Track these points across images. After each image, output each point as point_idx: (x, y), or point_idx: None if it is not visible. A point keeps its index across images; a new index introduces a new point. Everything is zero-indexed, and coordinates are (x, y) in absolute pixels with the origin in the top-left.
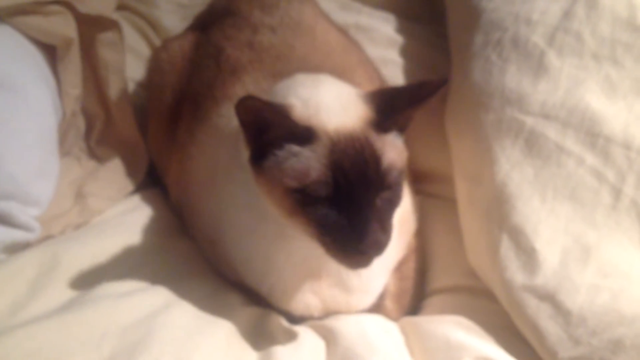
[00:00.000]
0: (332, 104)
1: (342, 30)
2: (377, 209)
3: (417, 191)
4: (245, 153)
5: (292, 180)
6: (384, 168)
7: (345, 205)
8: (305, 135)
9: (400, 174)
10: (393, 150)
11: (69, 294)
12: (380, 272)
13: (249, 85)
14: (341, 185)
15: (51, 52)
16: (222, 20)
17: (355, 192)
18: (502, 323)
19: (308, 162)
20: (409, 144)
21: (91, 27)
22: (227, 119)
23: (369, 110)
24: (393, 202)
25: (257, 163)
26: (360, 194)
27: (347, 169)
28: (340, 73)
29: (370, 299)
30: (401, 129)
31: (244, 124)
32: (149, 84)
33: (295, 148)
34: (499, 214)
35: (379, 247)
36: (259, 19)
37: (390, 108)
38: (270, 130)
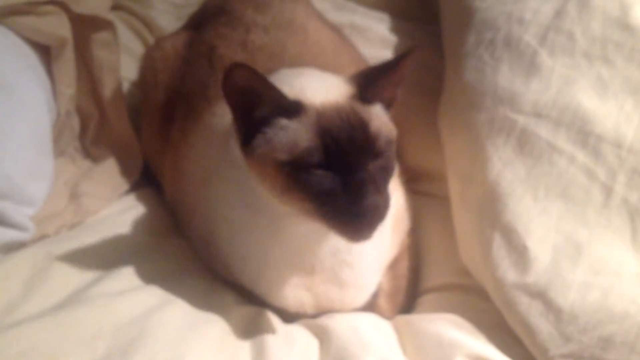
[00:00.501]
0: (316, 86)
1: (336, 30)
2: (372, 175)
3: (410, 190)
4: (235, 148)
5: (282, 153)
6: (372, 133)
7: (338, 170)
8: (293, 108)
9: (389, 144)
10: (379, 119)
11: (63, 293)
12: (373, 269)
13: None
14: (331, 151)
15: (45, 52)
16: (215, 19)
17: (347, 156)
18: (495, 321)
19: (296, 133)
20: (402, 143)
21: (85, 27)
22: (220, 117)
23: (352, 87)
24: (386, 170)
25: (247, 145)
26: (351, 159)
27: (335, 134)
28: (333, 72)
29: (364, 296)
30: (386, 104)
31: (231, 101)
32: (142, 83)
33: (283, 121)
34: (491, 212)
35: (377, 210)
36: (252, 18)
37: (370, 80)
38: (260, 106)
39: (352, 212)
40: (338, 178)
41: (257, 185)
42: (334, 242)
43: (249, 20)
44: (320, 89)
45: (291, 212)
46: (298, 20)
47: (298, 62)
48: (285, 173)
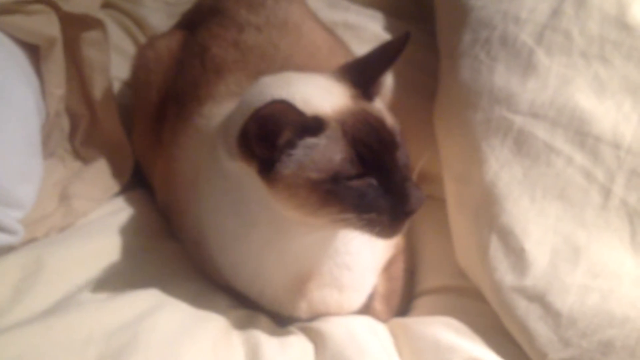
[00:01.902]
0: (315, 92)
1: (329, 30)
2: (404, 170)
3: None
4: (225, 161)
5: (319, 172)
6: (391, 129)
7: (377, 174)
8: (315, 125)
9: (401, 133)
10: (386, 112)
11: (53, 297)
12: (369, 270)
13: (231, 85)
14: (366, 157)
15: (34, 52)
16: (209, 19)
17: (381, 159)
18: (492, 324)
19: (327, 148)
20: None
21: (75, 26)
22: (207, 119)
23: (347, 86)
24: (408, 159)
25: (268, 173)
26: (386, 160)
27: (366, 141)
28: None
29: (360, 298)
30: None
31: (255, 136)
32: (135, 82)
33: (310, 141)
34: (488, 214)
35: (422, 201)
36: (245, 18)
37: (367, 78)
38: (284, 132)
39: (400, 212)
40: (377, 182)
41: (280, 207)
42: (335, 246)
43: (242, 20)
44: (321, 95)
45: (308, 223)
46: (292, 20)
47: (290, 62)
48: (323, 190)
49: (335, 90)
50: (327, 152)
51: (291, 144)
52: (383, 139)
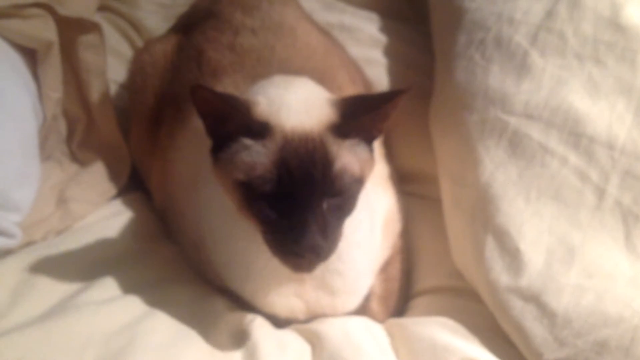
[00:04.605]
0: (296, 105)
1: (325, 32)
2: (322, 214)
3: (402, 191)
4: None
5: (240, 172)
6: (334, 172)
7: (286, 204)
8: (259, 130)
9: (356, 182)
10: (351, 156)
11: (51, 301)
12: (365, 274)
13: (228, 87)
14: (285, 183)
15: (31, 56)
16: (204, 22)
17: (299, 192)
18: (488, 324)
19: (257, 156)
20: (393, 144)
21: (72, 29)
22: None
23: (334, 114)
24: (343, 210)
25: (215, 155)
26: (303, 195)
27: (292, 167)
28: (321, 75)
29: (355, 301)
30: (368, 139)
31: (202, 114)
32: (131, 87)
33: (248, 141)
34: (484, 214)
35: (316, 252)
36: (240, 21)
37: (352, 114)
38: (227, 122)
39: (292, 249)
40: (285, 211)
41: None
42: None
43: (237, 23)
44: (298, 110)
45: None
46: (287, 22)
47: (287, 65)
48: (241, 192)
49: (316, 112)
50: (255, 159)
51: (233, 137)
52: (313, 176)
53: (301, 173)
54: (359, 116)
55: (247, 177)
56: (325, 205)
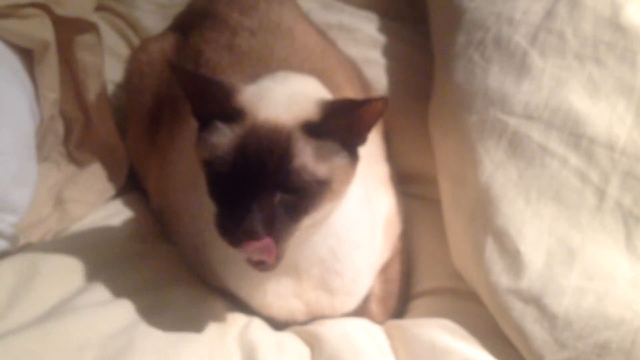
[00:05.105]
0: (279, 98)
1: (322, 32)
2: (269, 204)
3: (401, 192)
4: None
5: (206, 152)
6: (292, 167)
7: (238, 188)
8: (232, 115)
9: (319, 184)
10: (318, 157)
11: (48, 303)
12: (364, 275)
13: None
14: (239, 167)
15: (28, 56)
16: (201, 22)
17: (252, 178)
18: (488, 326)
19: (223, 138)
20: (393, 144)
21: (69, 29)
22: None
23: (315, 114)
24: (298, 208)
25: (199, 135)
26: (255, 182)
27: (249, 153)
28: (319, 75)
29: (354, 301)
30: (348, 145)
31: (185, 92)
32: (128, 87)
33: (220, 124)
34: (483, 215)
35: (251, 237)
36: (238, 22)
37: (329, 115)
38: (207, 104)
39: (230, 230)
40: (236, 195)
41: None
42: (316, 251)
43: (235, 23)
44: (278, 103)
45: None
46: (285, 23)
47: (285, 66)
48: (205, 172)
49: (296, 108)
50: (220, 140)
51: (209, 119)
52: (266, 166)
53: (256, 160)
54: (335, 118)
55: (209, 157)
56: (277, 199)
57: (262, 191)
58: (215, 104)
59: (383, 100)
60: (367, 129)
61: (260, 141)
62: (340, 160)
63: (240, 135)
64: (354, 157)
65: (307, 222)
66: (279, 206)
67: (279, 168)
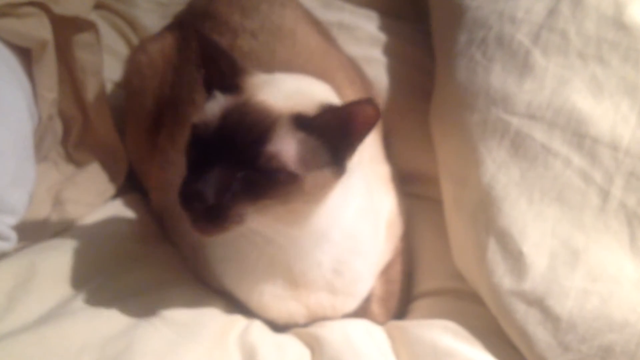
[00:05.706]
0: (285, 88)
1: (325, 31)
2: (228, 177)
3: (403, 192)
4: None
5: (196, 116)
6: (263, 150)
7: (206, 153)
8: (231, 87)
9: (286, 176)
10: (297, 152)
11: (47, 305)
12: (366, 276)
13: None
14: (217, 136)
15: (26, 55)
16: (201, 22)
17: (221, 148)
18: (490, 327)
19: (215, 105)
20: (394, 144)
21: (67, 28)
22: None
23: (311, 110)
24: (256, 190)
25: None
26: (221, 152)
27: (230, 125)
28: (321, 77)
29: (355, 302)
30: (334, 148)
31: (202, 58)
32: (128, 88)
33: (217, 93)
34: (486, 216)
35: (196, 199)
36: (239, 23)
37: (320, 113)
38: (218, 74)
39: (182, 191)
40: (202, 161)
41: None
42: (313, 254)
43: (236, 25)
44: (283, 91)
45: None
46: (287, 25)
47: (287, 67)
48: (190, 134)
49: (295, 100)
50: (211, 107)
51: (213, 89)
52: (241, 141)
53: (233, 133)
54: (326, 116)
55: (196, 120)
56: (240, 174)
57: (227, 162)
58: (225, 77)
59: (373, 105)
60: (358, 136)
61: (245, 116)
62: (323, 165)
63: (230, 105)
64: (339, 168)
65: (269, 210)
66: (241, 182)
67: (251, 146)
